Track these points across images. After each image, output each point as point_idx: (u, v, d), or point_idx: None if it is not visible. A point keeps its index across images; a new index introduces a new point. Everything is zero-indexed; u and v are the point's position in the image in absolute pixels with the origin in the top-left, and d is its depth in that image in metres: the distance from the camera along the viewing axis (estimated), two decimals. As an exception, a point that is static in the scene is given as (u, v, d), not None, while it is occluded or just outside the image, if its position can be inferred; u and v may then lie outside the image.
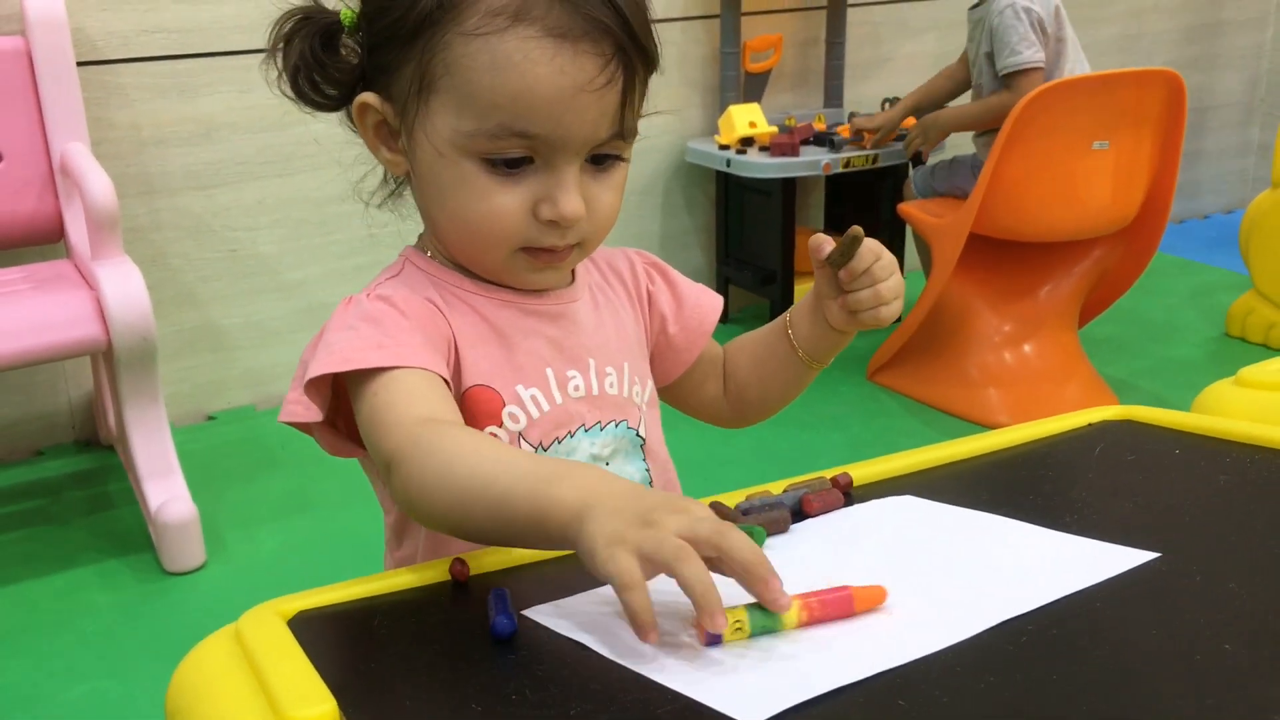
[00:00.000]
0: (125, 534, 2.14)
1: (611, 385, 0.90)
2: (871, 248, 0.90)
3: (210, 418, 2.65)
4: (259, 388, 2.69)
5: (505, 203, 0.80)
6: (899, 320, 2.80)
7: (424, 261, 0.89)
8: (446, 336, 0.84)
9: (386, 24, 0.80)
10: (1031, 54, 2.46)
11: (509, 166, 0.79)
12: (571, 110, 0.77)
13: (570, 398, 0.88)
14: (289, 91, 0.85)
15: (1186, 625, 0.60)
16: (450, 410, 0.78)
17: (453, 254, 0.88)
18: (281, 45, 0.85)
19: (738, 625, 0.59)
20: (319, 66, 0.84)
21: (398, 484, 0.73)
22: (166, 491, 2.00)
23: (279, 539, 2.12)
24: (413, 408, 0.75)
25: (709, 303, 1.02)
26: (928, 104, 2.82)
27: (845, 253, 0.89)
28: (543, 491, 0.65)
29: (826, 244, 0.91)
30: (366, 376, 0.78)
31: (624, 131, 0.81)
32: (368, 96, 0.84)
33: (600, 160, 0.82)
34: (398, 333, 0.80)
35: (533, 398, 0.86)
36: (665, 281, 1.00)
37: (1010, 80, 2.49)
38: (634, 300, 0.97)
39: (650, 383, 0.96)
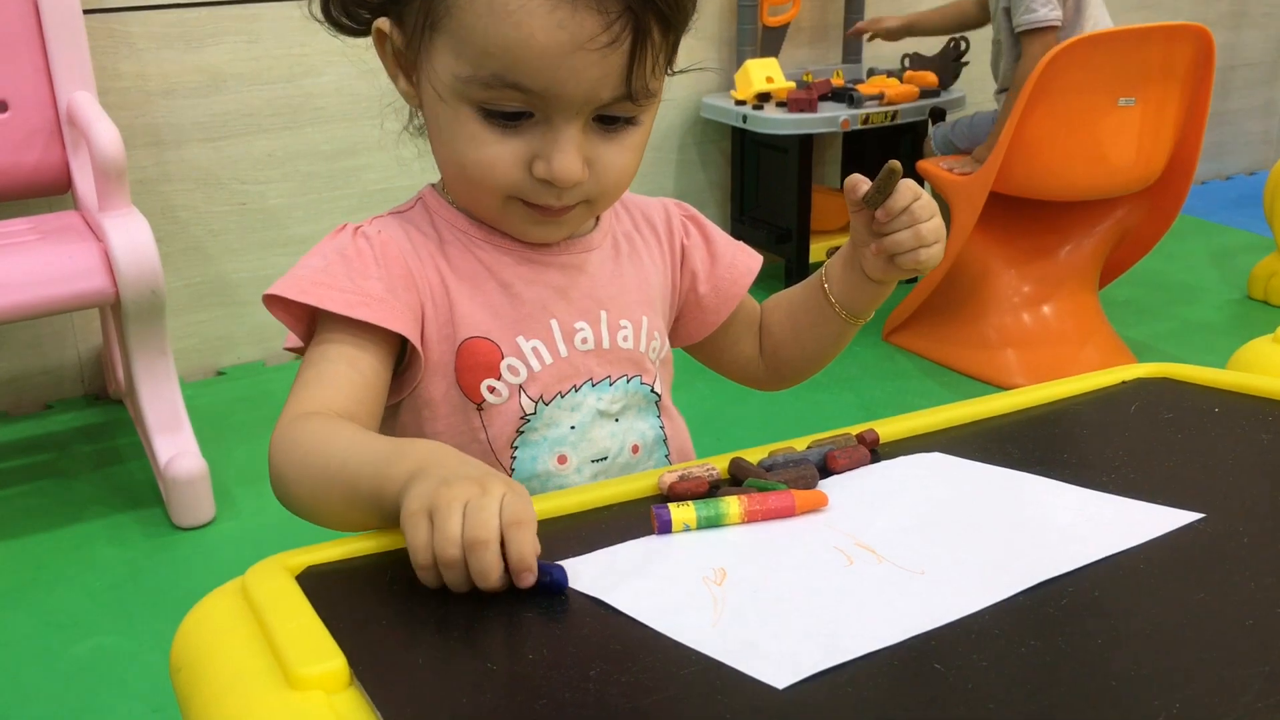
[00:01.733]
0: (134, 488, 2.12)
1: (625, 339, 0.87)
2: (910, 185, 0.85)
3: (220, 373, 2.63)
4: (268, 343, 2.66)
5: (500, 154, 0.77)
6: (915, 279, 2.76)
7: (437, 202, 0.86)
8: (421, 292, 0.82)
9: None
10: (1046, 11, 2.40)
11: (506, 118, 0.76)
12: (568, 68, 0.72)
13: (577, 350, 0.85)
14: (319, 17, 0.82)
15: (1236, 589, 0.57)
16: (355, 401, 0.77)
17: (455, 197, 0.85)
18: None
19: (685, 522, 0.67)
20: None
21: (269, 475, 0.75)
22: (176, 446, 1.99)
23: (289, 495, 2.11)
24: (308, 399, 0.76)
25: (744, 262, 0.97)
26: (924, 27, 2.85)
27: (882, 189, 0.84)
28: (382, 471, 0.66)
29: (863, 184, 0.85)
30: (320, 325, 0.80)
31: (633, 94, 0.75)
32: (383, 23, 0.81)
33: (610, 120, 0.78)
34: (362, 279, 0.80)
35: (534, 350, 0.83)
36: (702, 236, 0.96)
37: (1024, 39, 2.43)
38: (665, 252, 0.93)
39: (666, 340, 0.92)
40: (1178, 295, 3.03)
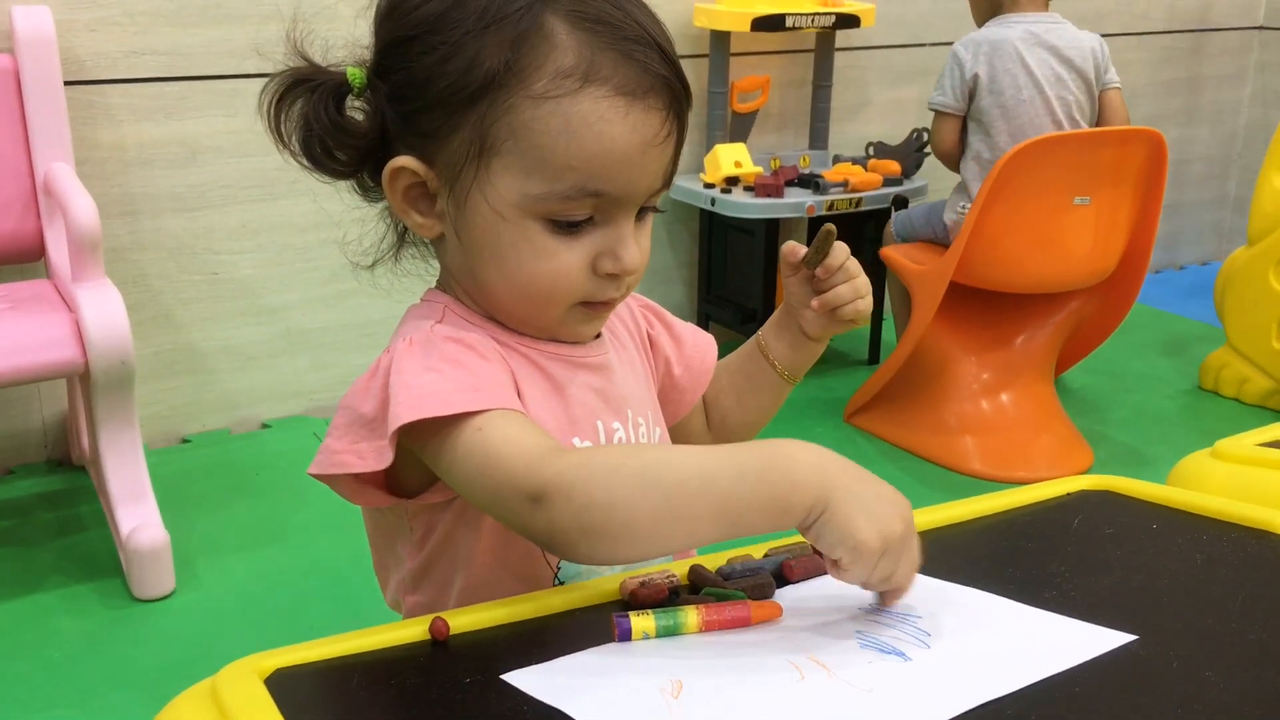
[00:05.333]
0: (94, 558, 2.11)
1: (643, 435, 0.91)
2: (843, 246, 0.93)
3: (184, 440, 2.62)
4: (234, 411, 2.67)
5: (568, 261, 0.81)
6: (877, 363, 2.82)
7: (465, 311, 0.86)
8: (514, 381, 0.82)
9: (437, 90, 0.78)
10: (939, 98, 2.58)
11: (571, 226, 0.80)
12: (640, 166, 0.79)
13: None
14: (304, 160, 0.82)
15: (1164, 715, 0.60)
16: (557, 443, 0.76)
17: (497, 311, 0.85)
18: (272, 106, 0.81)
19: (645, 630, 0.70)
20: (336, 131, 0.81)
21: (562, 516, 0.70)
22: (138, 517, 1.98)
23: (249, 568, 2.10)
24: (536, 439, 0.74)
25: (705, 342, 1.03)
26: None
27: (820, 249, 0.92)
28: (774, 480, 0.69)
29: (800, 248, 0.94)
30: (459, 420, 0.75)
31: (670, 181, 0.84)
32: (405, 161, 0.81)
33: (641, 211, 0.83)
34: (484, 375, 0.78)
35: None
36: (662, 324, 1.01)
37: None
38: (638, 345, 0.98)
39: (663, 429, 0.96)
40: (1132, 384, 3.09)
